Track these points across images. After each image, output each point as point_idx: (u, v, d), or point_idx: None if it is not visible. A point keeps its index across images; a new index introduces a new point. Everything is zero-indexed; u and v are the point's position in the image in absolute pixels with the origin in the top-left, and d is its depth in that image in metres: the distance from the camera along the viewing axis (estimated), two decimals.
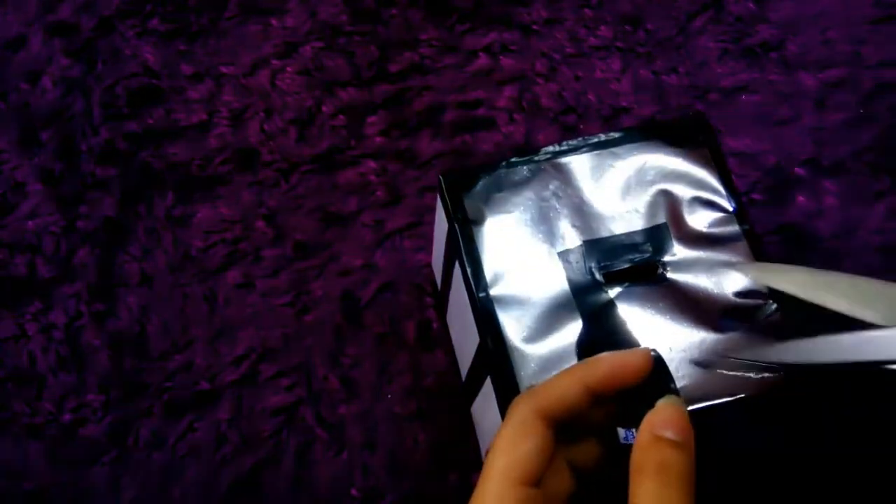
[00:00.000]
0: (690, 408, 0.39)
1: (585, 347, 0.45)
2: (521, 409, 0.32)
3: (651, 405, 0.33)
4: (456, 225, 0.49)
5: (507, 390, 0.44)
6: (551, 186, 0.50)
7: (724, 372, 0.43)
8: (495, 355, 0.45)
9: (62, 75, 0.75)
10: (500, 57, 0.76)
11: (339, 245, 0.69)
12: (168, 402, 0.64)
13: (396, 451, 0.62)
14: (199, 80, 0.75)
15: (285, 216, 0.70)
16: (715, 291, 0.47)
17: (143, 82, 0.75)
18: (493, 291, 0.47)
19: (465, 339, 0.54)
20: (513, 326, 0.46)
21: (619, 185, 0.50)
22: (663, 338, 0.45)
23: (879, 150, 0.71)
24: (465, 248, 0.48)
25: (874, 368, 0.35)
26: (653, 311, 0.46)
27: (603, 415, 0.35)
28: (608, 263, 0.47)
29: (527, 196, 0.49)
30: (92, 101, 0.74)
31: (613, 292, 0.47)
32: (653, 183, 0.50)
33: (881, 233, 0.69)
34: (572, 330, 0.46)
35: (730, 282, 0.47)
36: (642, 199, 0.49)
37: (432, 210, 0.56)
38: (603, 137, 0.51)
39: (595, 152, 0.51)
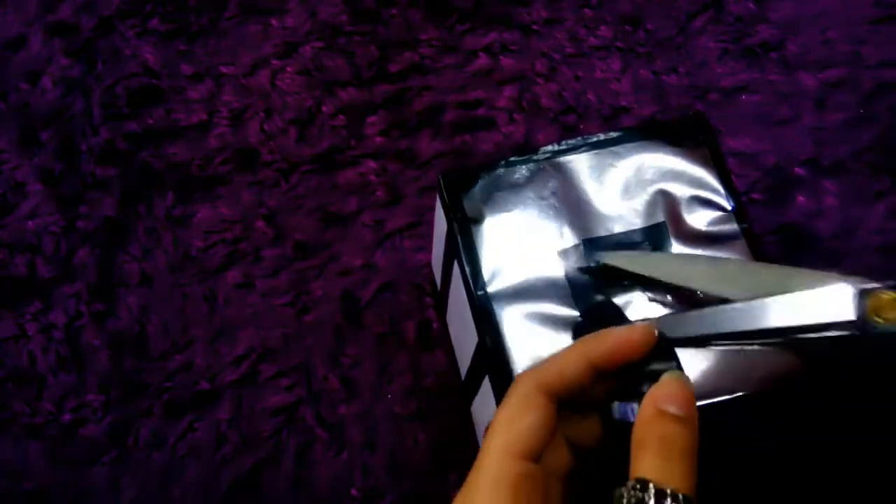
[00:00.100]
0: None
1: None
2: (524, 384, 0.32)
3: (654, 382, 0.33)
4: (455, 224, 0.49)
5: (506, 389, 0.44)
6: (550, 186, 0.50)
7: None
8: (493, 353, 0.45)
9: (62, 75, 0.75)
10: (500, 57, 0.76)
11: (339, 245, 0.69)
12: (168, 402, 0.64)
13: (396, 451, 0.62)
14: (199, 80, 0.75)
15: (285, 216, 0.70)
16: None
17: (143, 82, 0.75)
18: (491, 289, 0.47)
19: (465, 339, 0.54)
20: (511, 324, 0.46)
21: (619, 185, 0.50)
22: None
23: (879, 150, 0.71)
24: (463, 247, 0.48)
25: (743, 339, 0.36)
26: (651, 310, 0.46)
27: (604, 392, 0.35)
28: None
29: (526, 195, 0.49)
30: (92, 101, 0.74)
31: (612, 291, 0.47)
32: (652, 182, 0.50)
33: (881, 233, 0.69)
34: (571, 328, 0.46)
35: None
36: (641, 199, 0.49)
37: (432, 210, 0.56)
38: (602, 137, 0.51)
39: (594, 152, 0.51)
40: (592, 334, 0.34)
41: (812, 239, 0.68)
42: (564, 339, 0.45)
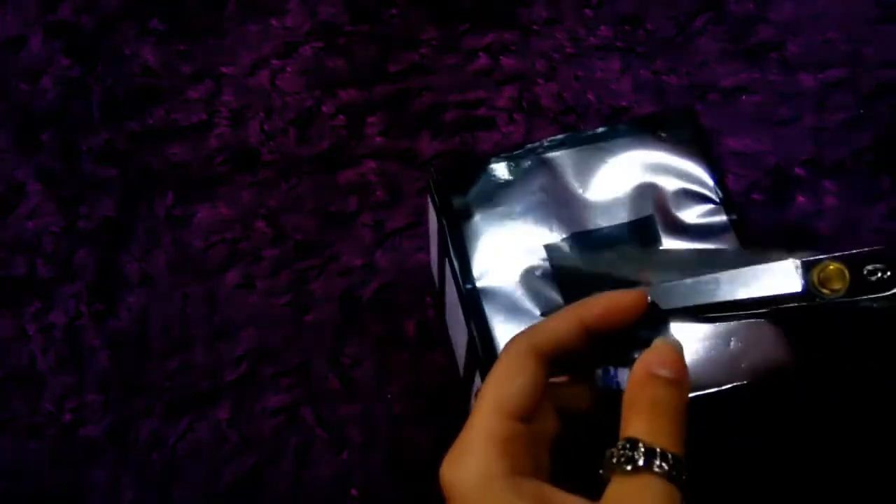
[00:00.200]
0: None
1: None
2: (516, 346, 0.32)
3: (645, 348, 0.33)
4: (444, 219, 0.49)
5: None
6: (538, 181, 0.50)
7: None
8: (482, 348, 0.46)
9: (62, 75, 0.75)
10: (500, 57, 0.76)
11: (339, 245, 0.69)
12: (168, 402, 0.64)
13: (396, 451, 0.62)
14: (199, 80, 0.75)
15: (285, 216, 0.70)
16: None
17: (143, 82, 0.75)
18: (480, 284, 0.47)
19: (459, 335, 0.54)
20: (500, 319, 0.46)
21: (606, 179, 0.50)
22: None
23: (879, 150, 0.71)
24: (452, 242, 0.48)
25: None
26: None
27: (595, 358, 0.35)
28: (594, 256, 0.48)
29: (515, 190, 0.50)
30: (92, 101, 0.74)
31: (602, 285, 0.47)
32: (640, 176, 0.50)
33: (881, 233, 0.68)
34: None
35: None
36: (629, 193, 0.50)
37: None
38: (590, 132, 0.52)
39: (582, 147, 0.51)
40: (586, 298, 0.34)
41: (812, 239, 0.68)
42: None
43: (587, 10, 0.78)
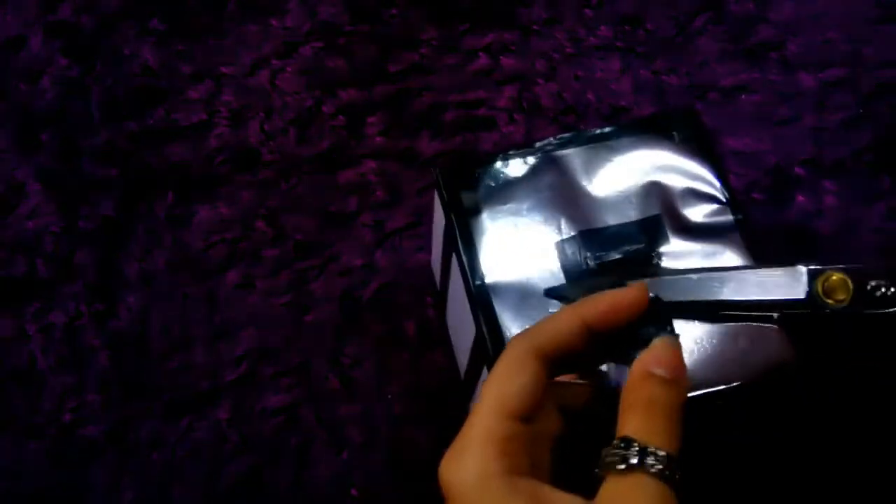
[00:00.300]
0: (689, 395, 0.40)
1: None
2: (517, 346, 0.33)
3: (646, 345, 0.33)
4: (452, 216, 0.49)
5: None
6: (547, 179, 0.50)
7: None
8: (492, 344, 0.46)
9: (62, 75, 0.75)
10: (500, 57, 0.76)
11: (339, 245, 0.69)
12: (168, 402, 0.64)
13: (396, 451, 0.62)
14: (199, 80, 0.75)
15: (285, 216, 0.70)
16: None
17: (143, 82, 0.75)
18: (489, 280, 0.47)
19: (464, 334, 0.54)
20: (508, 315, 0.46)
21: (614, 178, 0.50)
22: None
23: (879, 150, 0.71)
24: (461, 239, 0.49)
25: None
26: None
27: (596, 358, 0.35)
28: (602, 254, 0.48)
29: (523, 188, 0.50)
30: (92, 101, 0.74)
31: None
32: (647, 175, 0.50)
33: (881, 233, 0.69)
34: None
35: None
36: (637, 191, 0.50)
37: (432, 210, 0.56)
38: (597, 131, 0.52)
39: (590, 145, 0.51)
40: (587, 297, 0.34)
41: (812, 239, 0.68)
42: None
43: (587, 10, 0.78)
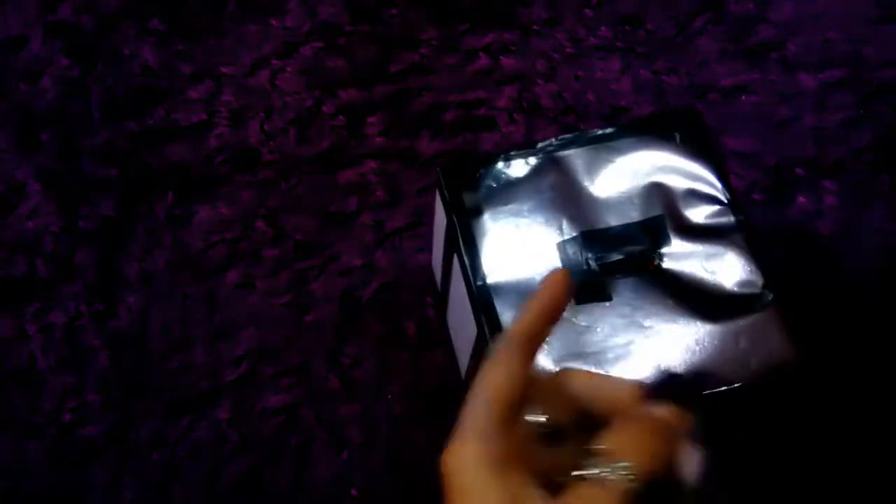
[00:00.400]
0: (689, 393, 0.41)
1: None
2: (500, 342, 0.34)
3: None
4: (454, 216, 0.49)
5: None
6: (549, 179, 0.50)
7: None
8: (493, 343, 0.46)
9: (62, 75, 0.75)
10: (500, 57, 0.76)
11: (339, 245, 0.69)
12: (168, 402, 0.64)
13: (396, 451, 0.62)
14: (199, 80, 0.75)
15: (285, 216, 0.70)
16: (710, 281, 0.47)
17: (143, 82, 0.75)
18: (490, 280, 0.47)
19: (465, 333, 0.54)
20: (510, 316, 0.46)
21: (616, 178, 0.50)
22: (657, 327, 0.45)
23: (879, 150, 0.71)
24: (463, 239, 0.49)
25: None
26: (647, 301, 0.46)
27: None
28: (604, 254, 0.48)
29: (525, 189, 0.50)
30: (92, 101, 0.74)
31: (609, 283, 0.47)
32: (649, 176, 0.50)
33: (881, 233, 0.69)
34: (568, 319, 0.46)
35: (725, 272, 0.47)
36: (639, 192, 0.50)
37: (432, 210, 0.56)
38: (599, 132, 0.52)
39: (591, 146, 0.51)
40: (530, 300, 0.36)
41: (812, 239, 0.68)
42: (562, 329, 0.46)
43: (587, 10, 0.78)
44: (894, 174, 0.70)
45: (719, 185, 0.50)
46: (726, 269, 0.47)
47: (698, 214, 0.49)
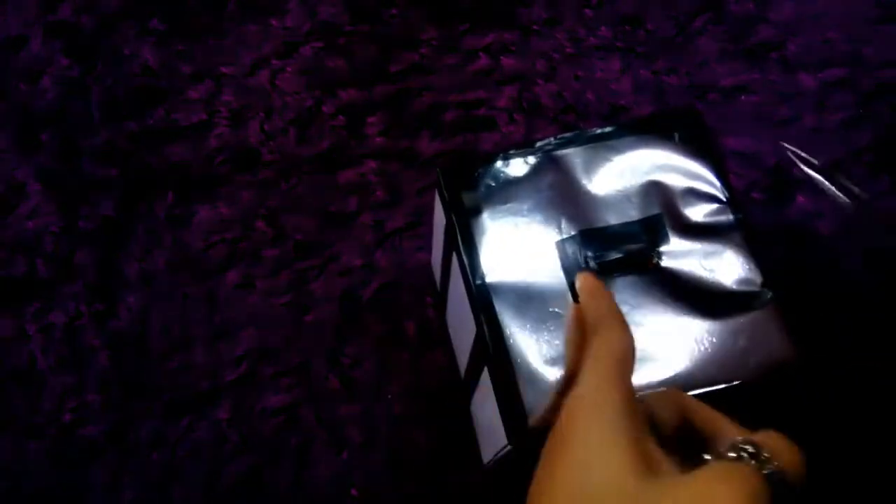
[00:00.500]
0: (690, 393, 0.41)
1: None
2: (601, 315, 0.34)
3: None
4: (453, 215, 0.49)
5: (504, 378, 0.45)
6: (548, 178, 0.50)
7: None
8: (492, 343, 0.46)
9: (62, 75, 0.75)
10: (500, 57, 0.76)
11: (339, 245, 0.69)
12: (168, 402, 0.64)
13: (396, 451, 0.62)
14: (199, 80, 0.75)
15: (285, 216, 0.70)
16: (709, 279, 0.47)
17: (142, 82, 0.75)
18: (489, 280, 0.47)
19: (464, 333, 0.54)
20: (509, 315, 0.46)
21: (615, 177, 0.50)
22: (657, 326, 0.46)
23: (879, 150, 0.71)
24: (462, 239, 0.49)
25: None
26: (646, 300, 0.46)
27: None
28: (603, 253, 0.48)
29: (524, 188, 0.50)
30: (92, 101, 0.74)
31: (608, 281, 0.47)
32: (648, 174, 0.50)
33: (881, 233, 0.68)
34: (566, 319, 0.46)
35: (724, 270, 0.47)
36: (638, 191, 0.50)
37: (432, 210, 0.56)
38: (598, 131, 0.52)
39: (590, 145, 0.51)
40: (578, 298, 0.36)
41: (812, 239, 0.68)
42: (560, 329, 0.46)
43: (587, 10, 0.78)
44: (894, 174, 0.70)
45: (718, 184, 0.50)
46: (725, 266, 0.48)
47: (697, 213, 0.49)
